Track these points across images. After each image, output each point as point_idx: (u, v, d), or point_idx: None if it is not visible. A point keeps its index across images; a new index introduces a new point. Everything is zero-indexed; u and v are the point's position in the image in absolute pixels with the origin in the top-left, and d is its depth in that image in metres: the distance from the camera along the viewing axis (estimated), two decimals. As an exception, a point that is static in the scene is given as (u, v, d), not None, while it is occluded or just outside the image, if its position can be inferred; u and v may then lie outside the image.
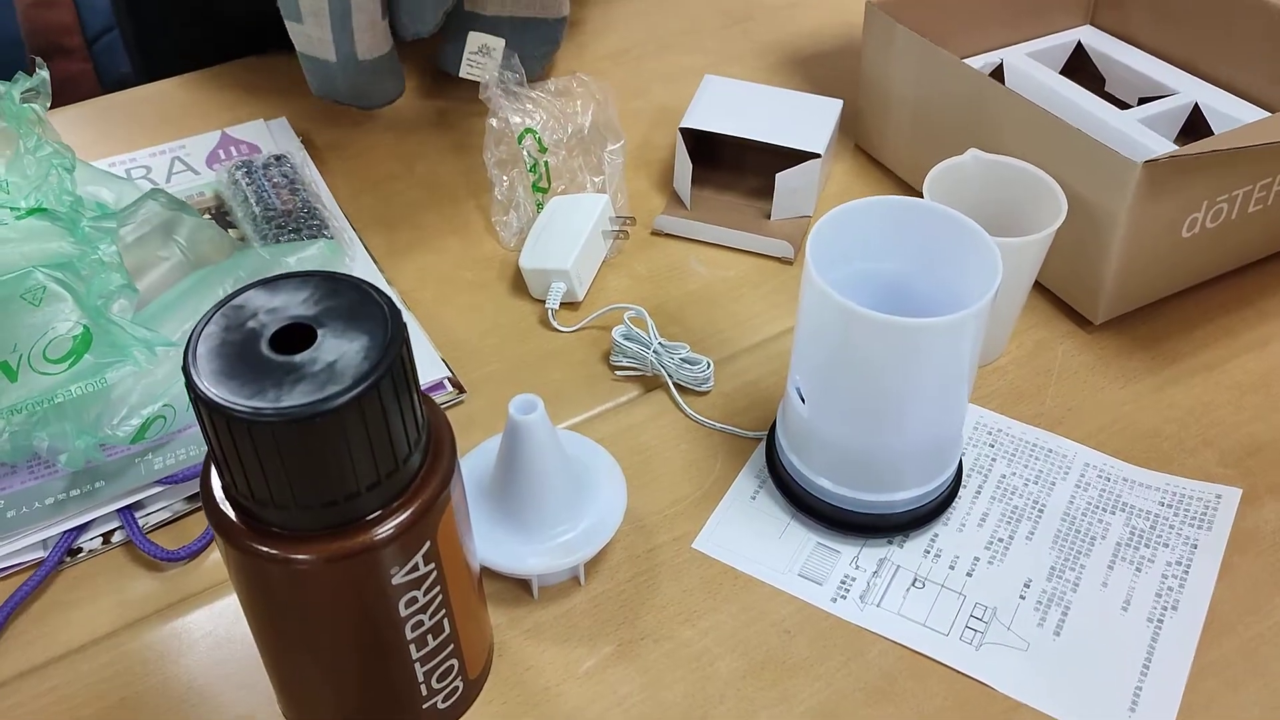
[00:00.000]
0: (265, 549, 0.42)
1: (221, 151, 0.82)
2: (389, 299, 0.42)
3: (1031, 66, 0.85)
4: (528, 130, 0.76)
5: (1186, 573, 0.57)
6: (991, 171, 0.65)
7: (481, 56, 0.74)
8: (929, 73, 0.75)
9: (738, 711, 0.53)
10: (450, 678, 0.50)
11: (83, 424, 0.59)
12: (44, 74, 0.75)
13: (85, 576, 0.59)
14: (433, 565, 0.45)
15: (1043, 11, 0.88)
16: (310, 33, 0.77)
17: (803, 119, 0.78)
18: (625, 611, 0.56)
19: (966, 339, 0.51)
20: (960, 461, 0.61)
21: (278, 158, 0.78)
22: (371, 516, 0.42)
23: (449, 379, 0.67)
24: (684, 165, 0.78)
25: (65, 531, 0.59)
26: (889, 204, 0.55)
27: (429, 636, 0.47)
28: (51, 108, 0.71)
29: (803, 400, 0.56)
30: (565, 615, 0.56)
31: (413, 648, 0.47)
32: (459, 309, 0.73)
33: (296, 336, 0.41)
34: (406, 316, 0.71)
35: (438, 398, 0.66)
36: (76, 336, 0.59)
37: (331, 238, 0.72)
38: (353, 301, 0.42)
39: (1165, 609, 0.56)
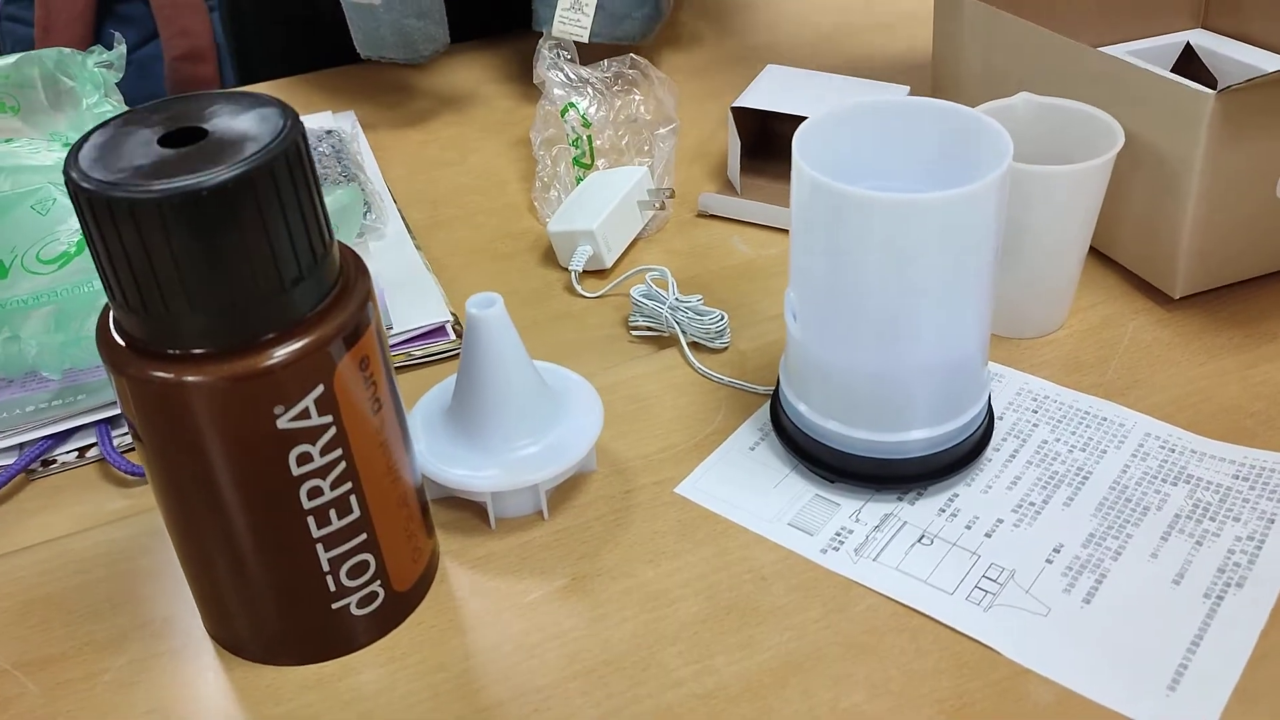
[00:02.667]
0: (148, 373, 0.39)
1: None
2: (294, 113, 0.40)
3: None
4: (570, 105, 0.74)
5: (1259, 548, 0.47)
6: (1045, 115, 0.59)
7: (575, 12, 0.72)
8: (996, 39, 0.69)
9: (690, 655, 0.45)
10: (365, 578, 0.45)
11: (69, 332, 0.58)
12: (122, 48, 0.77)
13: (55, 487, 0.57)
14: (330, 419, 0.41)
15: (1147, 11, 0.81)
16: None
17: (864, 102, 0.73)
18: (586, 548, 0.50)
19: (974, 225, 0.45)
20: (990, 418, 0.53)
21: (328, 132, 0.78)
22: (257, 343, 0.39)
23: (451, 324, 0.64)
24: (734, 146, 0.74)
25: (40, 439, 0.58)
26: (881, 106, 0.50)
27: (332, 513, 0.43)
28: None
29: (796, 320, 0.50)
30: (521, 547, 0.51)
31: (312, 522, 0.42)
32: (484, 274, 0.70)
33: (189, 137, 0.39)
34: (428, 277, 0.68)
35: (440, 344, 0.63)
36: (74, 243, 0.59)
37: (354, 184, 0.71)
38: (255, 112, 0.40)
39: (1229, 585, 0.46)
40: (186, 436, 0.40)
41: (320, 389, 0.40)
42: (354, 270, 0.43)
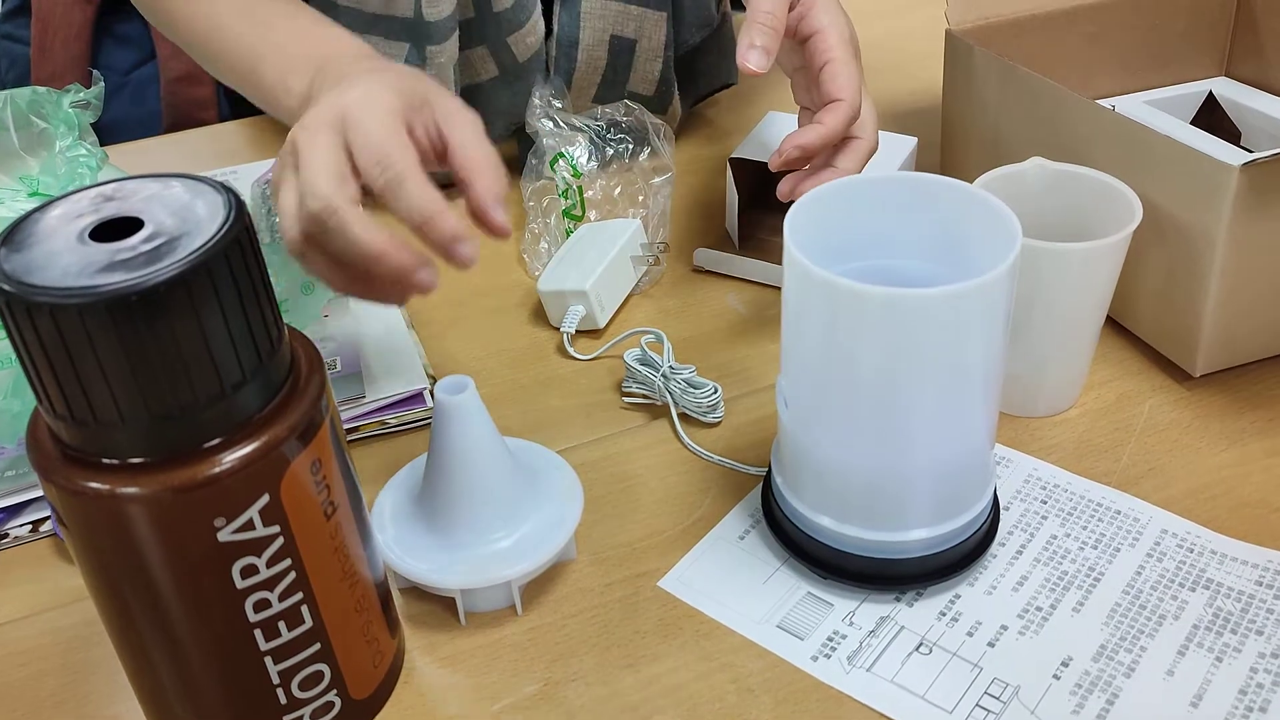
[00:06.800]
0: (78, 483, 0.36)
1: (270, 175, 0.80)
2: (238, 200, 0.36)
3: (1148, 113, 0.75)
4: (560, 155, 0.71)
5: (1284, 667, 0.44)
6: (1059, 183, 0.56)
7: None
8: (1008, 94, 0.66)
9: (668, 777, 0.42)
10: (319, 689, 0.42)
11: (25, 400, 0.55)
12: (100, 88, 0.75)
13: (6, 563, 0.54)
14: (276, 529, 0.38)
15: (1168, 59, 0.78)
16: None
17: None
18: (561, 648, 0.47)
19: (976, 320, 0.42)
20: (995, 510, 0.50)
21: (312, 176, 0.75)
22: (198, 451, 0.36)
23: (429, 390, 0.60)
24: (733, 199, 0.71)
25: (-8, 511, 0.55)
26: (881, 182, 0.46)
27: (281, 624, 0.40)
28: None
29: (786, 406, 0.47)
30: (491, 646, 0.48)
31: (260, 634, 0.39)
32: (468, 332, 0.67)
33: (123, 229, 0.36)
34: (408, 337, 0.65)
35: (416, 411, 0.60)
36: (32, 305, 0.56)
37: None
38: (197, 200, 0.37)
39: (1250, 710, 0.43)
40: (120, 547, 0.37)
41: (265, 498, 0.37)
42: (306, 363, 0.40)
